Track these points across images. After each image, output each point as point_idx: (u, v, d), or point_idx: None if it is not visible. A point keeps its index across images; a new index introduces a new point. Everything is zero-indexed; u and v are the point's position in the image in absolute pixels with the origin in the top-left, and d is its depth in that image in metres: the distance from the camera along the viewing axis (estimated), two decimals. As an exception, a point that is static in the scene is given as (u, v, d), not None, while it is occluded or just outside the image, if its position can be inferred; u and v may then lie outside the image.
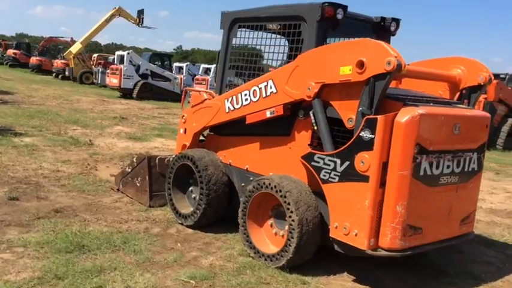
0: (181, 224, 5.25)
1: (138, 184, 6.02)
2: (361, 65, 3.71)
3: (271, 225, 4.45)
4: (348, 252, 3.96)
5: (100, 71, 34.50)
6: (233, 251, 4.60)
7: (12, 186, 6.11)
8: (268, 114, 4.55)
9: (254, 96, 4.69)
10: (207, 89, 28.61)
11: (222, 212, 5.16)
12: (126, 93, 25.62)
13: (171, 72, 29.47)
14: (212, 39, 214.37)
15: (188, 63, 36.11)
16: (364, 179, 3.68)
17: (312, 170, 4.09)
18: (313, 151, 4.12)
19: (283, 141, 4.62)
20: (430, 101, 4.07)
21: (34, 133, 10.39)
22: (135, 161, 6.10)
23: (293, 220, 3.99)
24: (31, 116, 13.03)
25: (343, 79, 3.86)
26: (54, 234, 4.55)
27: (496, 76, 17.16)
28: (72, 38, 39.60)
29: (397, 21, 4.85)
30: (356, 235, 3.75)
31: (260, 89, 4.62)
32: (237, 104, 4.88)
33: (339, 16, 4.35)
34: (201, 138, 5.68)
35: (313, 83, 4.10)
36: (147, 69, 26.56)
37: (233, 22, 5.29)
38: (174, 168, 5.39)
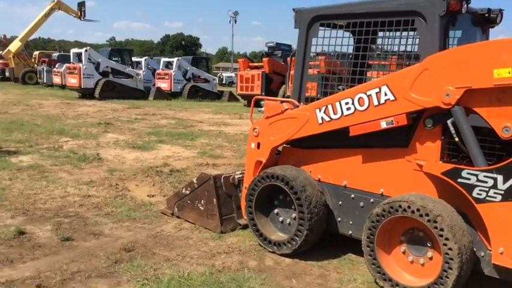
0: (273, 252, 4.66)
1: (201, 208, 5.34)
2: (526, 67, 3.25)
3: (403, 252, 3.94)
4: None
5: (45, 69, 32.80)
6: (357, 283, 4.08)
7: (54, 222, 5.27)
8: (384, 125, 4.01)
9: (361, 105, 4.13)
10: (171, 83, 28.24)
11: (320, 235, 4.60)
12: (85, 93, 24.46)
13: (132, 68, 28.49)
14: (144, 29, 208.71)
15: (146, 57, 34.83)
16: (542, 197, 3.24)
17: (460, 188, 3.60)
18: (458, 166, 3.63)
19: (399, 153, 4.11)
20: None
21: (27, 150, 9.38)
22: (195, 181, 5.40)
23: (450, 249, 3.50)
24: (8, 129, 11.85)
25: (499, 83, 3.38)
26: (155, 284, 3.84)
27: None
28: (5, 36, 37.21)
29: (501, 12, 4.43)
30: (531, 260, 3.31)
31: (369, 96, 4.07)
32: (335, 114, 4.31)
33: (463, 10, 3.87)
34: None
35: (452, 88, 3.60)
36: (107, 67, 25.93)
37: (313, 20, 4.69)
38: (257, 189, 4.76)
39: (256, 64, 24.97)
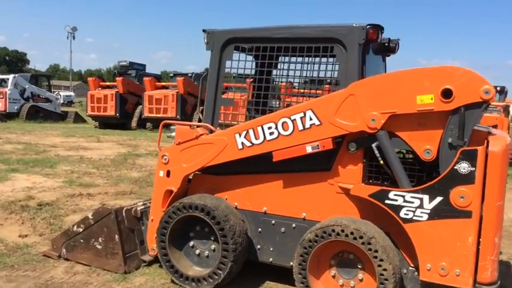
0: (192, 289, 4.28)
1: (98, 246, 4.70)
2: (446, 93, 3.52)
3: (333, 276, 3.92)
4: None
5: None
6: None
7: None
8: (309, 150, 3.99)
9: (285, 130, 4.07)
10: (5, 103, 25.28)
11: (242, 266, 4.38)
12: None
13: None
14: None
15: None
16: (465, 214, 3.49)
17: (387, 209, 3.73)
18: (385, 188, 3.76)
19: (321, 177, 4.14)
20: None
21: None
22: (91, 217, 4.74)
23: (385, 269, 3.58)
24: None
25: (422, 109, 3.61)
26: None
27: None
28: None
29: (398, 42, 4.80)
30: (458, 275, 3.54)
31: (294, 120, 4.03)
32: (257, 139, 4.18)
33: (379, 39, 4.09)
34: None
35: (377, 113, 3.74)
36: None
37: (227, 42, 4.52)
38: (172, 221, 4.35)
39: (108, 84, 23.72)
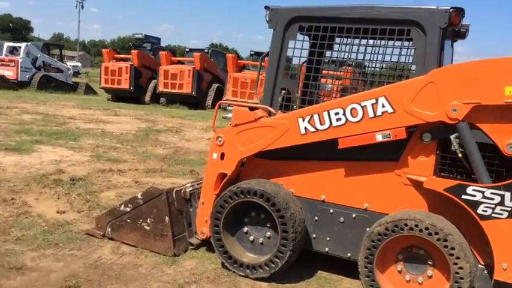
0: (245, 276, 4.14)
1: (147, 227, 4.56)
2: (539, 86, 3.30)
3: (400, 271, 3.77)
4: None
5: None
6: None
7: None
8: (380, 138, 3.80)
9: (354, 116, 3.87)
10: (17, 72, 25.00)
11: (298, 255, 4.23)
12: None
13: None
14: None
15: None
16: (549, 214, 3.32)
17: (464, 204, 3.55)
18: (463, 182, 3.57)
19: (387, 167, 3.95)
20: None
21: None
22: (140, 197, 4.58)
23: (461, 268, 3.41)
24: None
25: (509, 100, 3.39)
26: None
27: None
28: None
29: (468, 27, 4.54)
30: (536, 276, 3.39)
31: (364, 107, 3.83)
32: (322, 124, 3.98)
33: (460, 24, 3.85)
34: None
35: (460, 103, 3.53)
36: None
37: (292, 21, 4.28)
38: (228, 206, 4.18)
39: (123, 56, 23.40)
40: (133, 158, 8.64)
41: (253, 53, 22.54)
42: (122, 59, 23.08)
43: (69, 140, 9.80)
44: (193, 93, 20.41)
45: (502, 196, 3.44)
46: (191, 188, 4.78)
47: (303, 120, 4.05)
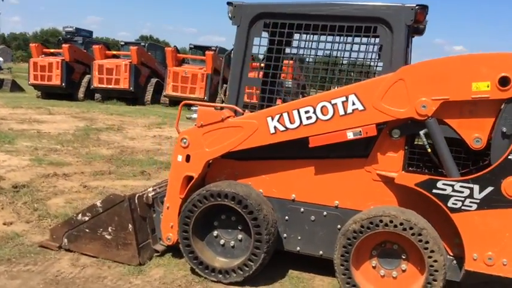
0: (217, 281, 4.02)
1: (108, 236, 4.30)
2: (504, 81, 3.42)
3: (374, 267, 3.80)
4: (478, 281, 3.72)
5: None
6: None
7: None
8: (351, 136, 3.80)
9: (324, 114, 3.84)
10: None
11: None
12: None
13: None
14: None
15: None
16: (516, 204, 3.47)
17: (434, 199, 3.62)
18: (433, 177, 3.65)
19: (357, 164, 3.98)
20: None
21: None
22: (99, 205, 4.31)
23: (435, 261, 3.49)
24: None
25: (476, 96, 3.50)
26: None
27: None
28: None
29: (426, 23, 4.65)
30: (505, 265, 3.52)
31: (334, 105, 3.81)
32: (292, 123, 3.92)
33: (424, 21, 3.91)
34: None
35: (428, 99, 3.59)
36: None
37: (257, 18, 4.18)
38: (197, 210, 4.03)
39: (52, 50, 22.16)
40: (77, 160, 8.19)
41: (192, 46, 22.14)
42: (52, 54, 21.86)
43: (4, 143, 9.12)
44: (131, 88, 19.74)
45: (471, 189, 3.54)
46: (153, 193, 4.57)
47: (272, 119, 3.97)
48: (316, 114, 3.86)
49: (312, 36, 4.16)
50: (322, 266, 4.23)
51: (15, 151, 8.53)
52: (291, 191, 4.17)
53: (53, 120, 13.18)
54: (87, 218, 4.34)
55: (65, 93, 20.98)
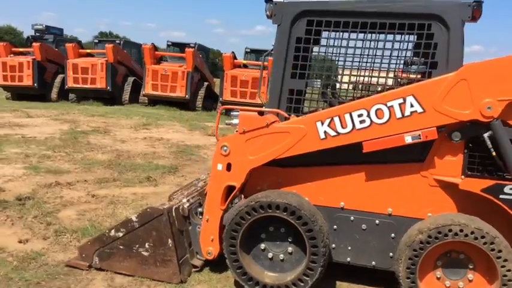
0: (269, 298, 3.78)
1: (145, 253, 4.00)
2: None
3: (438, 278, 3.63)
4: None
5: None
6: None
7: None
8: (409, 140, 3.62)
9: (379, 117, 3.65)
10: None
11: (324, 269, 3.95)
12: None
13: None
14: None
15: None
16: None
17: (502, 204, 3.49)
18: (500, 182, 3.50)
19: (412, 169, 3.80)
20: None
21: None
22: (135, 219, 3.99)
23: (509, 270, 3.35)
24: None
25: (545, 96, 3.37)
26: None
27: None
28: None
29: None
30: None
31: (391, 107, 3.62)
32: (344, 127, 3.71)
33: (479, 18, 3.76)
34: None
35: (494, 100, 3.44)
36: None
37: (299, 16, 3.93)
38: (245, 223, 3.77)
39: (22, 50, 21.19)
40: (75, 167, 7.75)
41: (170, 43, 21.57)
42: (22, 53, 20.90)
43: (-10, 151, 8.56)
44: (109, 88, 19.07)
45: (540, 193, 3.42)
46: (188, 204, 4.28)
47: (322, 124, 3.75)
48: (370, 118, 3.66)
49: (358, 35, 3.93)
50: (367, 275, 4.08)
51: (5, 158, 8.00)
52: (340, 199, 3.97)
53: (34, 124, 12.54)
54: (121, 234, 4.02)
55: (37, 94, 20.12)
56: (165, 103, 18.98)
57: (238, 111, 3.98)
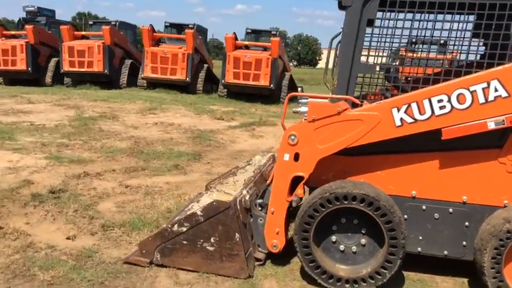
0: (343, 292, 3.66)
1: (210, 248, 3.84)
2: None
3: (521, 268, 3.54)
4: None
5: None
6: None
7: None
8: (492, 126, 3.48)
9: (460, 103, 3.49)
10: None
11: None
12: None
13: None
14: None
15: None
16: None
17: None
18: None
19: (489, 155, 3.68)
20: None
21: None
22: (200, 213, 3.81)
23: None
24: None
25: None
26: None
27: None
28: None
29: None
30: None
31: (473, 92, 3.47)
32: (422, 114, 3.56)
33: None
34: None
35: None
36: None
37: (370, -2, 3.73)
38: (318, 216, 3.62)
39: (14, 33, 20.56)
40: (97, 156, 7.49)
41: (168, 24, 21.06)
42: (14, 36, 20.29)
43: (4, 140, 8.24)
44: (106, 71, 18.64)
45: None
46: (248, 196, 4.11)
47: (398, 110, 3.59)
48: (451, 103, 3.50)
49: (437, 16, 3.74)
50: (434, 265, 3.98)
51: (22, 148, 7.70)
52: (411, 188, 3.83)
53: (38, 110, 12.17)
54: (184, 229, 3.84)
55: (30, 78, 19.60)
56: (165, 86, 18.61)
57: (307, 99, 3.79)
